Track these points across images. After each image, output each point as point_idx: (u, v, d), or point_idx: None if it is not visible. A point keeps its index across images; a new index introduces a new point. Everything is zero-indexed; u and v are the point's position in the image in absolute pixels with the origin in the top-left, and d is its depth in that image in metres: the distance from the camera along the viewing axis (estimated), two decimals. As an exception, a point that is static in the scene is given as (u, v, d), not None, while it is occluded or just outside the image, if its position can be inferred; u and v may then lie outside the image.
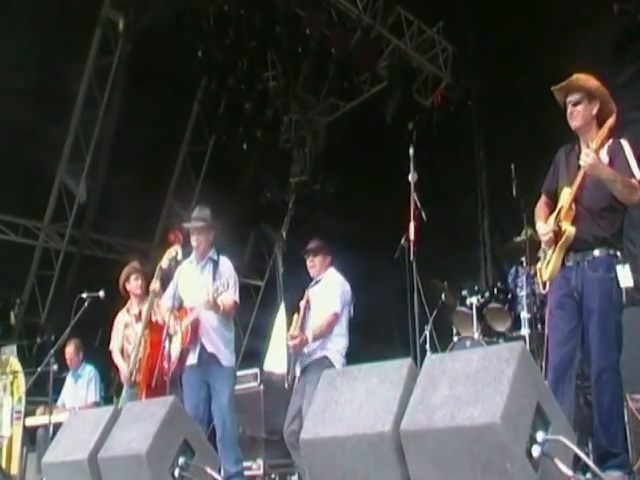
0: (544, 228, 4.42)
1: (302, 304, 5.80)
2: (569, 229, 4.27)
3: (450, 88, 10.69)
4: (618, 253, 4.26)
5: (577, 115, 4.35)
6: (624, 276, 4.20)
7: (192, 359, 5.74)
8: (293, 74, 11.37)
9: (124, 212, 10.03)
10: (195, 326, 5.71)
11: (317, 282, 5.95)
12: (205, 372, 5.71)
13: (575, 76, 4.39)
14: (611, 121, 4.26)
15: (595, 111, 4.33)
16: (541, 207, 4.58)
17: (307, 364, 5.68)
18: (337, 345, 5.72)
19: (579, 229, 4.27)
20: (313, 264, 5.97)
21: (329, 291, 5.81)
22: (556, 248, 4.34)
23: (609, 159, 4.27)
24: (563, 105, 4.44)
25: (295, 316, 5.80)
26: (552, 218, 4.41)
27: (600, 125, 4.33)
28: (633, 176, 4.18)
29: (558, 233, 4.32)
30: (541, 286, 4.51)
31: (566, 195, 4.34)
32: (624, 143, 4.30)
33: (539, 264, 4.51)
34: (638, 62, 8.26)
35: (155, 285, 6.13)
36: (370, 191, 10.26)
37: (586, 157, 4.15)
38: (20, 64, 8.74)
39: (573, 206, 4.30)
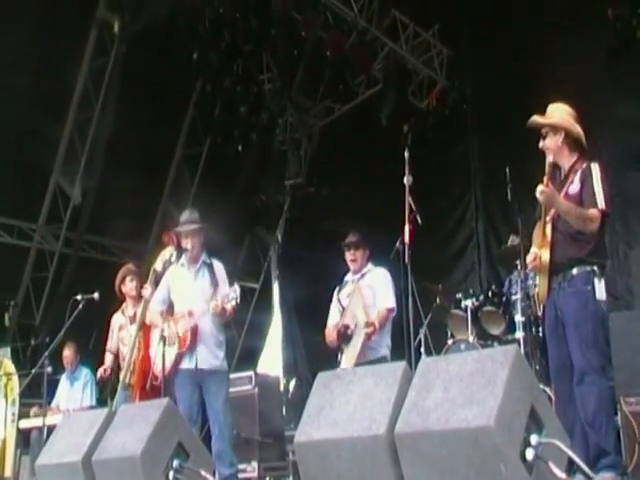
0: (529, 256, 4.63)
1: (354, 294, 5.72)
2: (543, 255, 4.49)
3: (445, 91, 10.72)
4: (595, 268, 4.40)
5: (546, 149, 4.59)
6: (599, 290, 4.35)
7: (188, 363, 5.72)
8: (288, 77, 11.37)
9: (119, 214, 10.00)
10: (194, 331, 5.70)
11: (362, 275, 5.87)
12: (200, 376, 5.71)
13: (533, 117, 4.65)
14: (550, 160, 4.51)
15: (560, 141, 4.56)
16: (536, 233, 4.69)
17: (371, 360, 5.49)
18: (388, 341, 5.73)
19: (556, 253, 4.46)
20: (354, 257, 5.87)
21: (382, 286, 5.75)
22: (541, 273, 4.55)
23: (580, 184, 4.46)
24: None
25: (358, 306, 5.66)
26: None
27: (571, 149, 4.57)
28: (596, 204, 4.36)
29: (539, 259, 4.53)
30: (538, 309, 4.72)
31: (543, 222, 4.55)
32: (593, 168, 4.47)
33: (536, 289, 4.71)
34: (631, 66, 8.28)
35: (147, 292, 6.13)
36: (365, 194, 10.27)
37: (540, 195, 4.37)
38: (16, 65, 8.72)
39: (547, 232, 4.50)
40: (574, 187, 4.47)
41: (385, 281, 5.80)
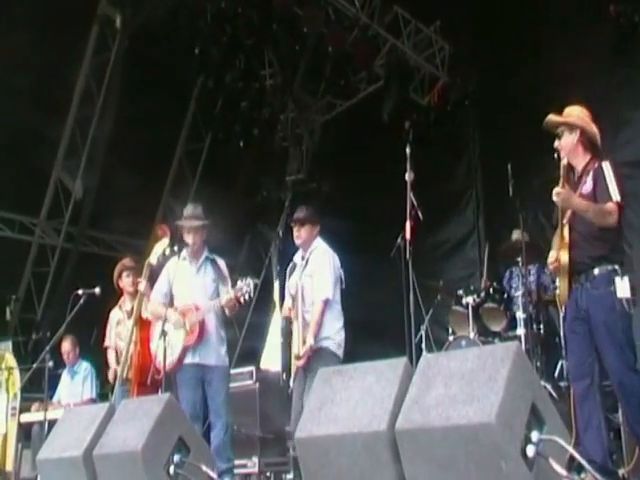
0: (549, 258, 4.71)
1: (292, 301, 5.59)
2: (562, 257, 4.55)
3: (447, 87, 10.69)
4: (616, 267, 4.44)
5: (561, 148, 4.67)
6: (621, 287, 4.37)
7: (191, 358, 5.75)
8: (290, 72, 11.35)
9: (121, 209, 10.01)
10: (202, 326, 5.72)
11: (307, 261, 5.68)
12: (202, 371, 5.74)
13: (550, 115, 4.73)
14: (564, 162, 4.58)
15: (576, 139, 4.64)
16: (555, 237, 4.74)
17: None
18: (331, 332, 5.49)
19: (577, 253, 4.51)
20: (298, 234, 5.73)
21: (320, 274, 5.55)
22: (561, 274, 4.60)
23: (593, 183, 4.52)
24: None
25: (295, 325, 5.50)
26: None
27: (585, 149, 4.65)
28: (611, 198, 4.41)
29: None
30: (560, 309, 4.81)
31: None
32: (605, 166, 4.52)
33: (557, 290, 4.74)
34: (633, 62, 8.27)
35: (141, 286, 6.15)
36: (366, 190, 10.26)
37: (556, 196, 4.43)
38: (18, 61, 8.71)
39: (565, 234, 4.55)
40: (587, 187, 4.53)
41: (324, 266, 5.57)
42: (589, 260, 4.47)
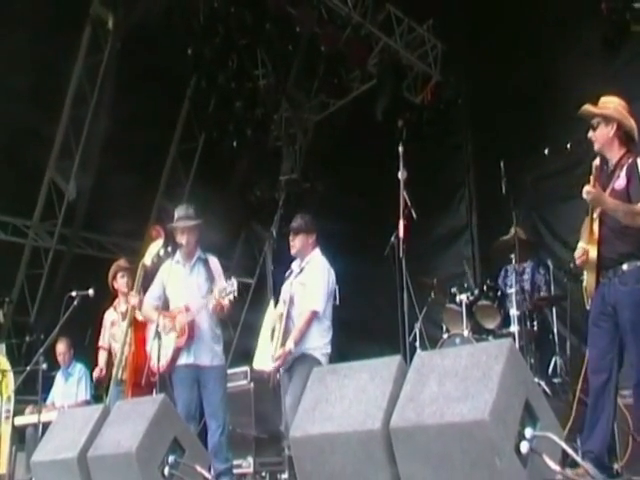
0: (577, 251, 4.63)
1: (284, 306, 5.58)
2: (591, 252, 4.50)
3: (440, 86, 10.71)
4: None
5: (595, 139, 4.57)
6: None
7: (186, 359, 5.73)
8: (283, 72, 11.35)
9: (114, 210, 9.98)
10: (191, 326, 5.70)
11: (301, 270, 5.69)
12: (197, 371, 5.72)
13: (586, 105, 4.60)
14: (596, 163, 4.48)
15: (612, 133, 4.52)
16: (584, 228, 4.68)
17: (291, 362, 5.49)
18: (317, 343, 5.48)
19: (606, 249, 4.46)
20: (293, 244, 5.72)
21: (311, 286, 5.54)
22: (589, 269, 4.56)
23: (626, 179, 4.43)
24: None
25: (277, 325, 5.56)
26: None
27: (621, 142, 4.53)
28: None
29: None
30: (586, 303, 4.67)
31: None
32: (639, 163, 4.43)
33: (584, 283, 4.69)
34: (625, 58, 8.29)
35: (134, 300, 6.11)
36: (360, 189, 10.27)
37: (586, 195, 4.35)
38: (11, 63, 8.69)
39: (595, 229, 4.49)
40: (620, 182, 4.45)
41: (318, 278, 5.56)
42: (618, 256, 4.41)
